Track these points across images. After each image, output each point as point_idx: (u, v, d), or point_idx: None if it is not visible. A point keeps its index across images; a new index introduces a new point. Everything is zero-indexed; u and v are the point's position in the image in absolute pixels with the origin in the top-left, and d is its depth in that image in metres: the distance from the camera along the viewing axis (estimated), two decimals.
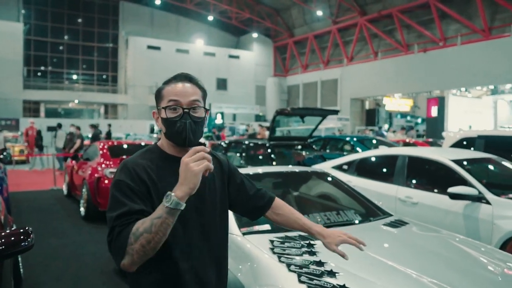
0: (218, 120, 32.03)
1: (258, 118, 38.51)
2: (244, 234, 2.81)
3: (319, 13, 31.90)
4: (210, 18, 36.88)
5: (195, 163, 1.32)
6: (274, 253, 2.46)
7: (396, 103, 31.01)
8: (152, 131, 30.47)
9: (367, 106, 33.15)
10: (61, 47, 35.88)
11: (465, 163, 4.91)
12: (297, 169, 4.28)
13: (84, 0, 35.48)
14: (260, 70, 39.77)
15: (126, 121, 34.31)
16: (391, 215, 3.51)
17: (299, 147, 8.58)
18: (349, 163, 5.96)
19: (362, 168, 5.78)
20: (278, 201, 1.91)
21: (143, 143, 9.69)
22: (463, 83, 25.25)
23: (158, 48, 35.85)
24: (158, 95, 1.57)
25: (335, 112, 8.69)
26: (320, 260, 2.33)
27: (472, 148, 7.34)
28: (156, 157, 1.57)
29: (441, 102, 18.70)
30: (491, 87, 25.77)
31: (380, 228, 3.12)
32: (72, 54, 36.08)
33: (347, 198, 4.06)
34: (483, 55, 22.80)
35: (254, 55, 39.59)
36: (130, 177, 1.45)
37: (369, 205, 3.69)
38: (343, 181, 4.25)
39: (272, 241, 2.63)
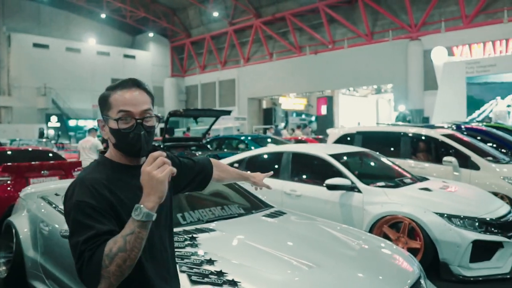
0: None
1: (157, 119, 37.72)
2: None
3: (215, 14, 32.23)
4: (103, 15, 35.40)
5: (157, 170, 1.26)
6: None
7: (291, 102, 32.54)
8: (41, 135, 28.40)
9: (264, 105, 34.23)
10: None
11: (341, 157, 5.44)
12: None
13: None
14: (157, 70, 39.06)
15: (11, 125, 31.68)
16: (272, 207, 3.82)
17: (194, 148, 8.73)
18: (239, 161, 6.27)
19: (252, 165, 6.11)
20: (213, 160, 1.99)
21: (30, 149, 9.15)
22: (350, 83, 27.26)
23: (46, 47, 33.54)
24: (104, 103, 1.47)
25: (228, 112, 8.98)
26: (203, 252, 2.51)
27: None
28: (109, 169, 1.48)
29: (330, 101, 20.04)
30: (375, 86, 28.19)
31: (260, 219, 3.40)
32: None
33: (235, 195, 4.30)
34: (367, 57, 24.81)
35: (151, 55, 38.80)
36: (91, 196, 1.35)
37: (254, 199, 3.98)
38: None
39: None
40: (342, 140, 8.39)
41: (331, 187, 4.79)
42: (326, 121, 19.86)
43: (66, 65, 33.89)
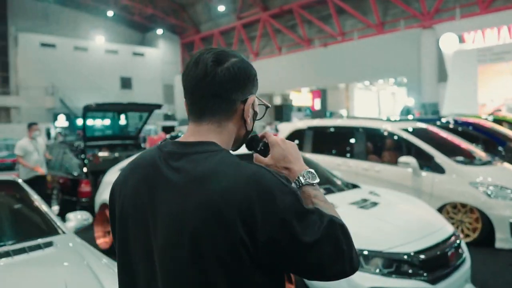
0: (122, 121, 30.25)
1: (168, 117, 37.04)
2: None
3: (221, 8, 31.10)
4: (110, 13, 34.81)
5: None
6: None
7: (304, 98, 31.00)
8: (49, 135, 28.07)
9: (276, 101, 32.84)
10: None
11: None
12: None
13: None
14: (167, 68, 38.27)
15: (20, 125, 31.47)
16: None
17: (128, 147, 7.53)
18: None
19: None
20: None
21: None
22: (361, 76, 25.54)
23: (53, 46, 33.22)
24: (256, 77, 1.18)
25: (158, 106, 7.75)
26: None
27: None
28: None
29: (323, 95, 18.46)
30: (392, 80, 26.37)
31: None
32: None
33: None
34: (378, 49, 23.07)
35: (161, 53, 38.04)
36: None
37: None
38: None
39: None
40: (293, 136, 7.01)
41: None
42: (320, 116, 18.26)
43: (74, 64, 33.50)
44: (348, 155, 6.14)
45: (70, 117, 33.45)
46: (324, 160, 6.43)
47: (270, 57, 30.68)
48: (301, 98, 30.97)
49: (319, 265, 0.97)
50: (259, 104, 1.18)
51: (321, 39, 27.14)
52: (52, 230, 3.05)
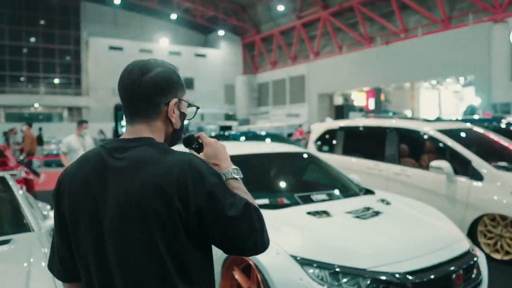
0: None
1: (228, 117, 37.47)
2: None
3: (281, 8, 30.85)
4: (174, 16, 35.79)
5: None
6: None
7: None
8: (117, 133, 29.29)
9: (337, 101, 32.03)
10: (23, 50, 34.74)
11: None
12: None
13: (43, 1, 34.33)
14: (228, 68, 38.69)
15: (90, 124, 33.21)
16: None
17: None
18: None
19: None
20: None
21: None
22: (426, 75, 24.31)
23: (120, 49, 34.75)
24: (180, 83, 1.34)
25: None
26: None
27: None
28: None
29: (377, 94, 17.59)
30: (462, 78, 24.76)
31: None
32: (33, 57, 34.93)
33: None
34: (444, 46, 21.74)
35: (222, 53, 38.52)
36: None
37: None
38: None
39: None
40: (324, 137, 6.59)
41: None
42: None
43: None
44: (380, 158, 5.64)
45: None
46: (354, 163, 5.98)
47: (330, 56, 30.01)
48: (363, 98, 29.97)
49: (236, 237, 1.17)
50: (188, 107, 1.35)
51: (383, 37, 26.09)
52: (23, 227, 2.99)
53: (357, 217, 3.06)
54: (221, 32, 37.40)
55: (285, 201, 3.46)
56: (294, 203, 3.38)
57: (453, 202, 4.73)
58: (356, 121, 6.99)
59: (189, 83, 37.73)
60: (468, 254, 2.91)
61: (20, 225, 3.00)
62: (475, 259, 2.93)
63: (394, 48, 24.96)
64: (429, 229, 3.10)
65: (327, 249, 2.65)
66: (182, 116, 1.34)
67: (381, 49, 25.79)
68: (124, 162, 1.19)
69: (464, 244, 3.00)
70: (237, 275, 2.88)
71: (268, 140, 8.88)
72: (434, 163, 4.77)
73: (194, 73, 37.64)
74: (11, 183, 3.42)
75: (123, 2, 33.97)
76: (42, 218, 3.44)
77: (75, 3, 35.15)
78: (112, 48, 34.51)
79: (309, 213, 3.09)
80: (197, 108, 1.39)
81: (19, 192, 3.33)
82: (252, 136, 9.59)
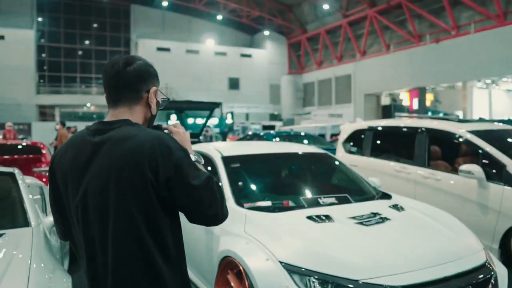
0: (228, 120, 31.48)
1: (273, 117, 37.39)
2: None
3: (326, 6, 30.40)
4: (220, 17, 36.15)
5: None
6: None
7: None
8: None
9: (384, 101, 31.15)
10: (77, 52, 36.31)
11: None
12: None
13: (96, 5, 35.69)
14: (273, 68, 38.57)
15: None
16: None
17: None
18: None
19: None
20: None
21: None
22: (478, 74, 23.13)
23: (167, 50, 35.52)
24: (156, 75, 1.62)
25: (216, 104, 7.57)
26: None
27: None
28: None
29: (421, 94, 16.85)
30: None
31: None
32: (85, 58, 36.42)
33: None
34: (498, 43, 20.57)
35: (267, 53, 38.47)
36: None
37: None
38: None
39: None
40: (353, 137, 6.33)
41: None
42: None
43: (186, 66, 35.39)
44: (408, 160, 5.33)
45: (182, 117, 35.50)
46: (382, 166, 5.70)
47: (377, 55, 29.21)
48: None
49: (200, 204, 1.34)
50: (162, 99, 1.59)
51: (432, 35, 25.03)
52: (21, 222, 3.07)
53: (360, 223, 2.85)
54: (266, 32, 37.37)
55: (291, 203, 3.30)
56: (299, 206, 3.22)
57: (484, 210, 4.38)
58: (385, 121, 6.67)
59: (235, 83, 37.97)
60: (482, 268, 2.63)
61: (18, 220, 3.06)
62: (491, 273, 2.65)
63: (445, 46, 23.89)
64: (440, 240, 2.84)
65: (319, 257, 2.47)
66: (157, 104, 1.56)
67: (430, 47, 24.78)
68: (106, 139, 1.39)
69: (479, 257, 2.72)
70: (231, 280, 2.77)
71: (305, 141, 8.75)
72: (464, 167, 4.43)
73: (240, 73, 37.86)
74: (19, 178, 3.50)
75: (170, 4, 34.66)
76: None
77: (125, 7, 36.30)
78: (159, 49, 35.31)
79: (309, 217, 2.91)
80: (168, 99, 1.67)
81: (25, 188, 3.40)
82: (286, 136, 9.47)
